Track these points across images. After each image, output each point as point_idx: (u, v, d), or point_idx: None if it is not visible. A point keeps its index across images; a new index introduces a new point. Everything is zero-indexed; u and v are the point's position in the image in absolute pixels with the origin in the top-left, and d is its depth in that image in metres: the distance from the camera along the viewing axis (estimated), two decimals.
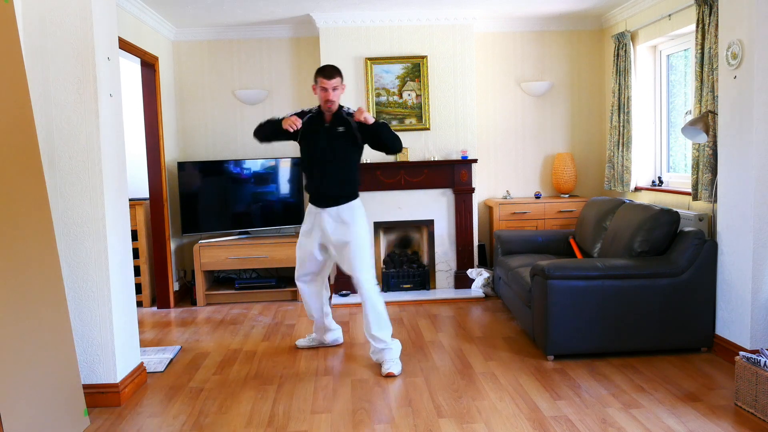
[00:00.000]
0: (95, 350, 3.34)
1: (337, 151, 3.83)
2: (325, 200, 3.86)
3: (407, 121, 5.67)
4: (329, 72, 3.76)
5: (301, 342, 4.29)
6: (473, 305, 5.33)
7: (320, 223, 3.86)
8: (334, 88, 3.75)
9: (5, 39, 2.80)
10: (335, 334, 4.30)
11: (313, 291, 4.11)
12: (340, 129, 3.81)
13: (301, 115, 3.88)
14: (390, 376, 3.66)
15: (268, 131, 3.91)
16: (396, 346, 3.83)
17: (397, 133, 5.69)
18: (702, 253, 3.81)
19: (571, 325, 3.79)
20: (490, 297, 5.53)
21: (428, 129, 5.67)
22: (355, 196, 3.91)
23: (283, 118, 3.82)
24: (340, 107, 3.86)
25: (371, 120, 3.75)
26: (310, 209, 3.96)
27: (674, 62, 5.28)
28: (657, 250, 3.96)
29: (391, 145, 3.82)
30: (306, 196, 5.88)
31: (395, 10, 5.46)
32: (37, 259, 2.87)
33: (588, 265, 3.86)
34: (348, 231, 3.82)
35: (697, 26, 4.24)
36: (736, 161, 3.64)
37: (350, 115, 3.83)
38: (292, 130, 3.75)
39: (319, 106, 3.87)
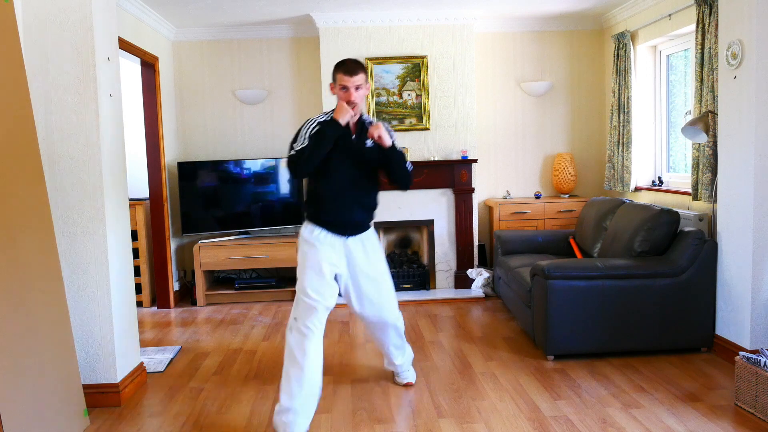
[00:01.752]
0: (95, 350, 3.34)
1: (365, 170, 3.13)
2: (351, 228, 3.14)
3: (407, 121, 5.67)
4: (351, 67, 3.00)
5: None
6: (473, 305, 5.33)
7: (341, 252, 3.12)
8: (357, 88, 3.01)
9: (5, 39, 2.80)
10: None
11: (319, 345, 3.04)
12: (369, 143, 3.09)
13: (323, 124, 3.01)
14: (409, 385, 3.55)
15: (314, 150, 2.96)
16: (410, 354, 3.60)
17: (396, 135, 5.30)
18: (702, 253, 3.81)
19: (571, 325, 3.79)
20: (490, 297, 5.52)
21: (428, 129, 5.67)
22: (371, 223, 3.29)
23: (325, 121, 3.00)
24: (361, 115, 3.13)
25: (389, 141, 3.03)
26: (319, 236, 3.06)
27: (674, 62, 5.28)
28: (657, 250, 3.96)
29: (400, 177, 3.14)
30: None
31: (395, 10, 5.46)
32: (37, 259, 2.87)
33: (588, 265, 3.86)
34: (378, 262, 3.26)
35: (697, 26, 4.24)
36: (736, 161, 3.64)
37: (370, 124, 3.13)
38: (346, 121, 3.00)
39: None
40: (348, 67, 3.02)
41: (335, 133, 2.99)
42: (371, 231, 3.27)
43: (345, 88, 3.01)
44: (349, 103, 3.02)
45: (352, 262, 3.17)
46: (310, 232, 3.08)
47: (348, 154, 3.08)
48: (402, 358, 3.54)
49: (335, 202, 3.09)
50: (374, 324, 3.37)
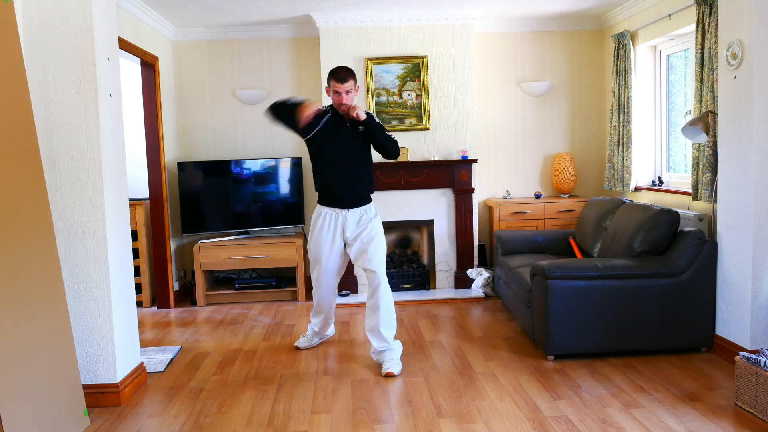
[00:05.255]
0: (95, 350, 3.34)
1: (359, 151, 3.83)
2: (349, 202, 3.85)
3: (407, 121, 5.67)
4: (342, 75, 3.69)
5: (301, 343, 4.28)
6: (473, 305, 5.33)
7: (342, 223, 3.85)
8: (347, 92, 3.69)
9: (5, 39, 2.80)
10: (333, 327, 4.47)
11: (332, 290, 4.10)
12: (361, 129, 3.79)
13: (319, 115, 3.74)
14: (390, 375, 3.66)
15: (284, 113, 3.69)
16: (398, 347, 3.84)
17: (397, 135, 5.60)
18: (702, 253, 3.81)
19: (571, 325, 3.79)
20: (490, 297, 5.52)
21: (428, 129, 5.67)
22: (371, 198, 3.97)
23: (301, 103, 3.62)
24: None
25: (363, 116, 3.69)
26: (324, 211, 3.89)
27: (674, 62, 5.28)
28: (657, 250, 3.96)
29: (386, 145, 3.79)
30: (308, 195, 5.90)
31: (395, 10, 5.46)
32: (37, 259, 2.87)
33: (588, 265, 3.86)
34: (371, 227, 3.85)
35: (697, 26, 4.24)
36: (736, 161, 3.64)
37: (367, 114, 3.77)
38: (302, 125, 3.64)
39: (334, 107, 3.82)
40: (339, 75, 3.69)
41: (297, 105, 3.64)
42: (371, 204, 3.93)
43: (337, 92, 3.70)
44: (341, 104, 3.71)
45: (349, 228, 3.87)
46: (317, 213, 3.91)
47: (344, 139, 3.79)
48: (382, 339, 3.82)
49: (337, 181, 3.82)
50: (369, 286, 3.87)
